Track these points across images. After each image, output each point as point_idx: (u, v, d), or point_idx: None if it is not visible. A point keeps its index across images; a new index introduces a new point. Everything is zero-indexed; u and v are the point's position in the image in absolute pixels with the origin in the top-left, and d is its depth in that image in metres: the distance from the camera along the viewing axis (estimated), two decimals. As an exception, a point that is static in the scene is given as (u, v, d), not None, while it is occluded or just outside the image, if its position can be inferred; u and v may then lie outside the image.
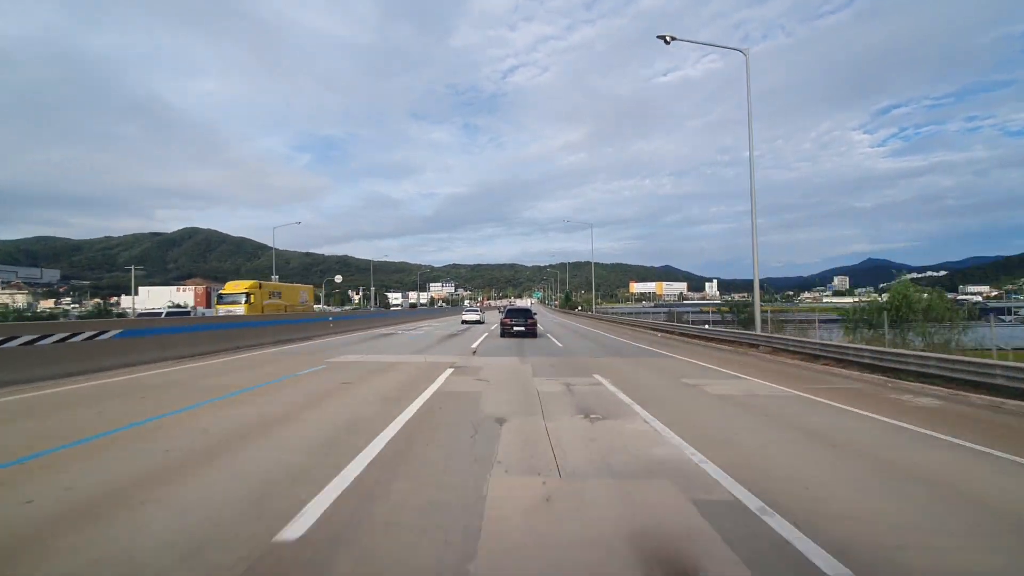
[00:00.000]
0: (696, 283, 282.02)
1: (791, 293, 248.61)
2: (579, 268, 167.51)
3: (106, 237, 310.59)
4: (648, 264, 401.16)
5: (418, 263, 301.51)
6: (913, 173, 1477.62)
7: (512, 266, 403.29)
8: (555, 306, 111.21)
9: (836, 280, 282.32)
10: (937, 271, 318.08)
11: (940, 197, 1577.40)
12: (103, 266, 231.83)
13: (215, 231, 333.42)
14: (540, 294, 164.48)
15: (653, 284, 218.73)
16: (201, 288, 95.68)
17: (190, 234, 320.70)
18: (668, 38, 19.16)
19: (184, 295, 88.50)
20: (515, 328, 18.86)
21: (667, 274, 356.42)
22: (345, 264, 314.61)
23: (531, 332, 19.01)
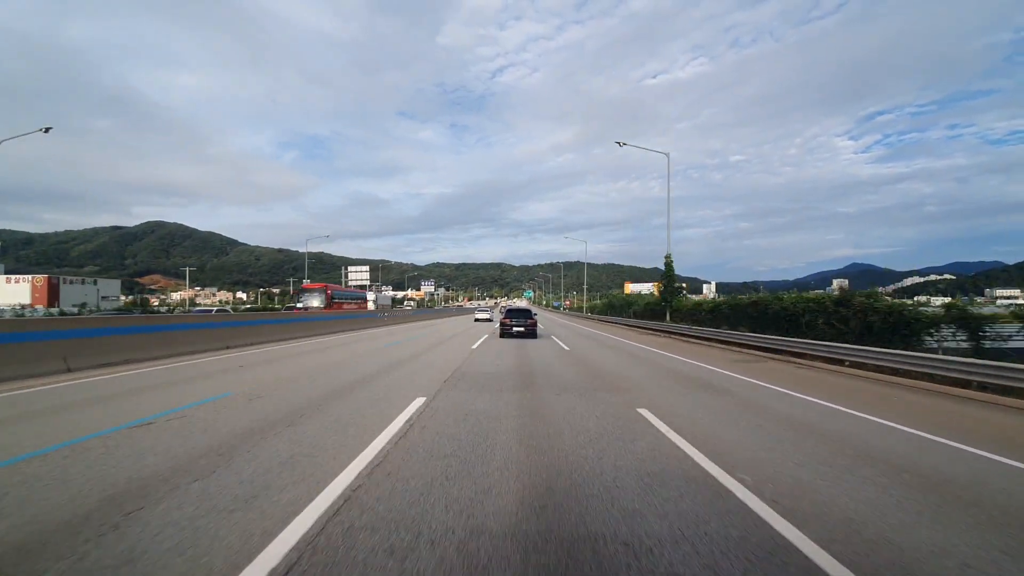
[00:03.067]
0: (692, 285, 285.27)
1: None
2: (569, 268, 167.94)
3: (65, 231, 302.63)
4: (639, 265, 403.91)
5: (399, 261, 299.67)
6: (895, 179, 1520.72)
7: (499, 266, 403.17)
8: (564, 308, 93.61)
9: (835, 283, 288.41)
10: (926, 275, 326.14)
11: (921, 203, 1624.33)
12: (54, 260, 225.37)
13: (181, 225, 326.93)
14: (531, 293, 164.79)
15: (650, 284, 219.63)
16: (41, 280, 74.05)
17: (153, 228, 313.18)
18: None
19: (17, 288, 69.81)
20: (515, 329, 20.77)
21: (659, 276, 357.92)
22: (320, 261, 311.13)
23: (531, 333, 21.07)
